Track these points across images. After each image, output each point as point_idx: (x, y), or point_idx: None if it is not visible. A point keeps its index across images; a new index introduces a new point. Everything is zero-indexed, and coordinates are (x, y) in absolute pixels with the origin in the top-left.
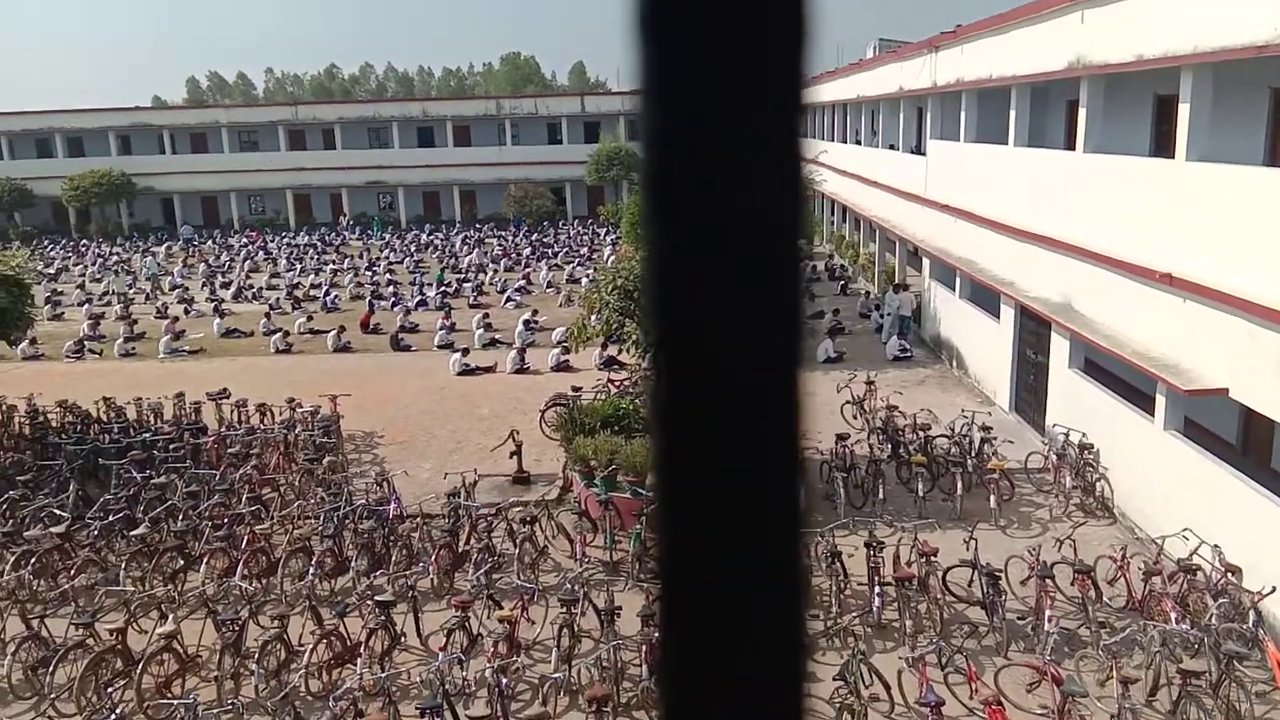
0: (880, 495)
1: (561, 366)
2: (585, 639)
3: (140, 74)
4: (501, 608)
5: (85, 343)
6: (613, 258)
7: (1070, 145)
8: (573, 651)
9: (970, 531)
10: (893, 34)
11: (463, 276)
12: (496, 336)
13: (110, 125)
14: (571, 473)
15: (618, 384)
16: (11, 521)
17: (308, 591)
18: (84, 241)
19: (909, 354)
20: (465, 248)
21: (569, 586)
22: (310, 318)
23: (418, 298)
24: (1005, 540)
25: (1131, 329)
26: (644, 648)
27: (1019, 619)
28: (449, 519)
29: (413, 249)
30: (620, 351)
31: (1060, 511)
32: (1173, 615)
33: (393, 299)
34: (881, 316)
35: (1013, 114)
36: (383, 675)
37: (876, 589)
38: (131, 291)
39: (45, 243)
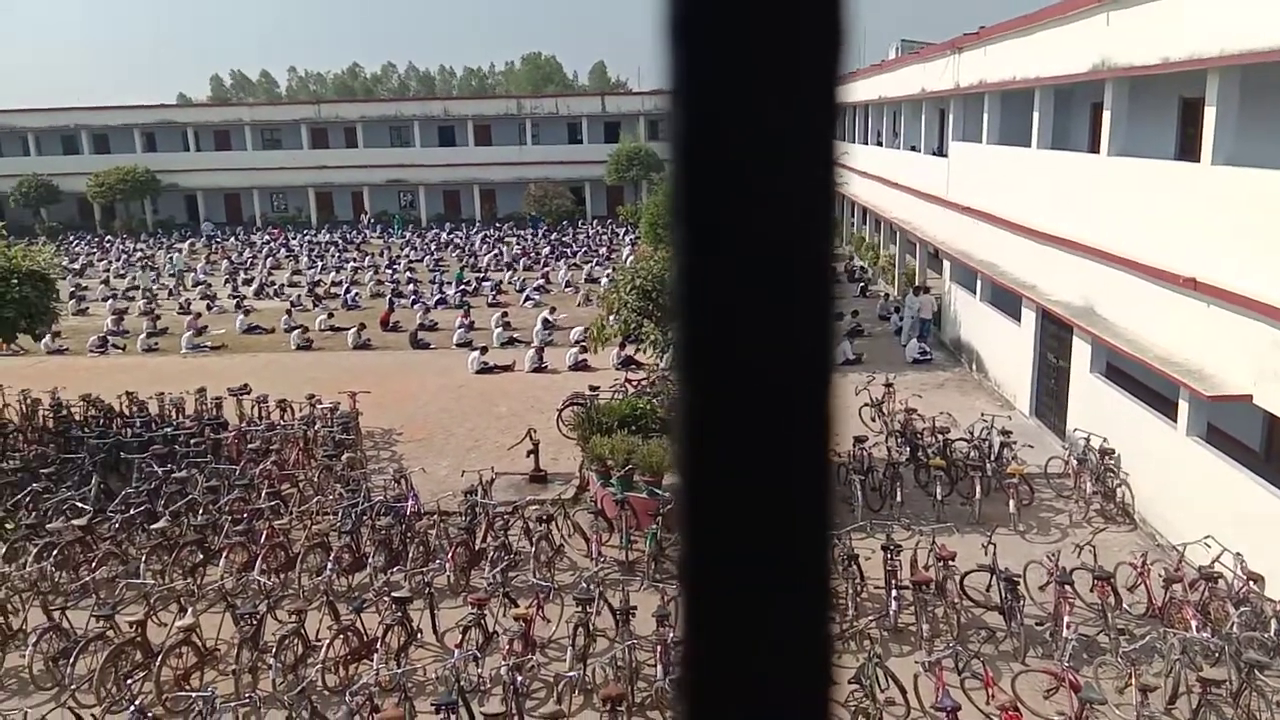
0: (898, 498)
1: (579, 366)
2: (600, 638)
3: (165, 72)
4: (517, 606)
5: (109, 337)
6: (631, 258)
7: (1094, 148)
8: (588, 650)
9: (989, 536)
10: (915, 35)
11: (482, 275)
12: (515, 335)
13: (135, 123)
14: (588, 472)
15: (635, 384)
16: (34, 514)
17: (325, 587)
18: (109, 238)
19: (929, 357)
20: (485, 247)
21: (584, 585)
22: (331, 315)
23: (437, 296)
24: (1024, 545)
25: (1155, 333)
26: (659, 648)
27: (1037, 625)
28: (466, 517)
29: (433, 247)
30: (638, 351)
31: (1080, 517)
32: (1193, 623)
33: (413, 297)
34: (901, 319)
35: (1036, 116)
36: (399, 671)
37: (893, 592)
38: (155, 287)
39: (71, 238)
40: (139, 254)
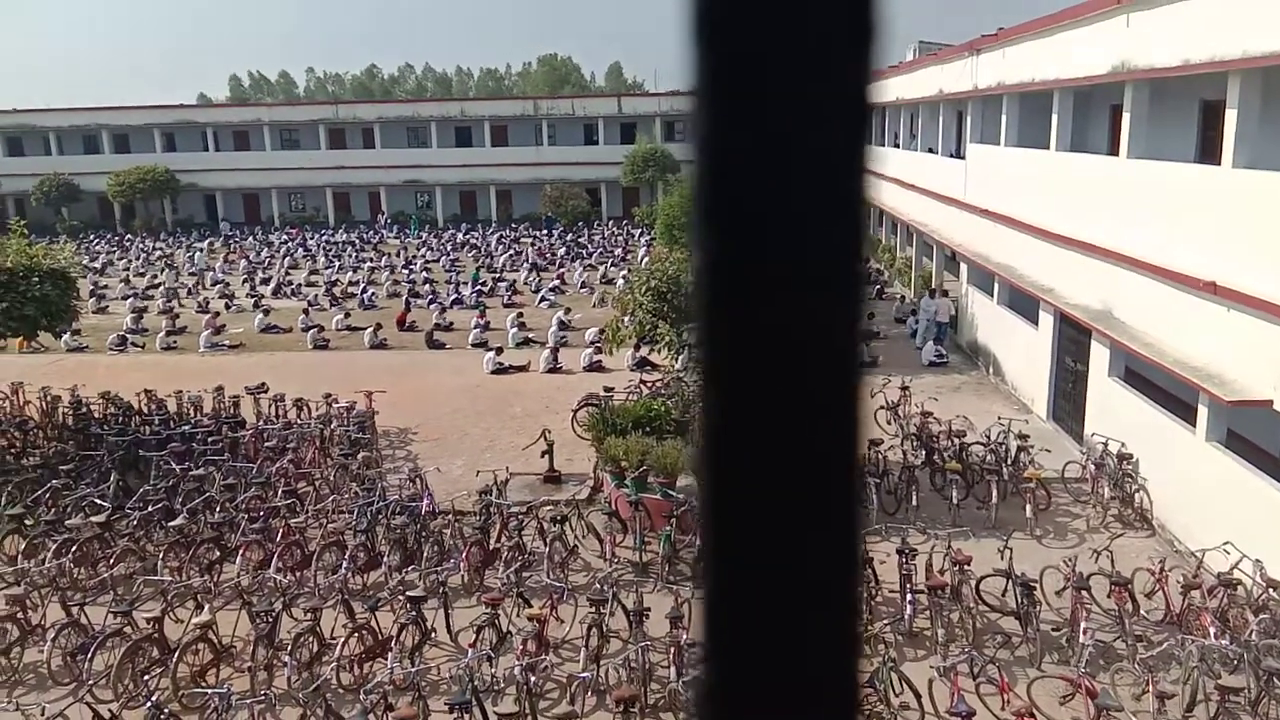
0: (914, 502)
1: (594, 367)
2: (614, 639)
3: (185, 73)
4: (531, 606)
5: (128, 336)
6: (647, 259)
7: (1113, 150)
8: (601, 651)
9: (1005, 541)
10: (932, 37)
11: (498, 275)
12: (530, 336)
13: (155, 122)
14: (602, 473)
15: (650, 385)
16: (54, 510)
17: (340, 585)
18: (128, 236)
19: (945, 360)
20: (501, 247)
21: (598, 586)
22: (348, 314)
23: (453, 296)
24: (1041, 550)
25: (1174, 338)
26: (672, 650)
27: (1054, 630)
28: (480, 516)
29: (449, 248)
30: (653, 353)
31: (1098, 522)
32: (1212, 630)
33: (429, 297)
34: (917, 322)
35: (1055, 118)
36: (413, 670)
37: (908, 596)
38: (175, 285)
39: (91, 237)
40: (158, 253)
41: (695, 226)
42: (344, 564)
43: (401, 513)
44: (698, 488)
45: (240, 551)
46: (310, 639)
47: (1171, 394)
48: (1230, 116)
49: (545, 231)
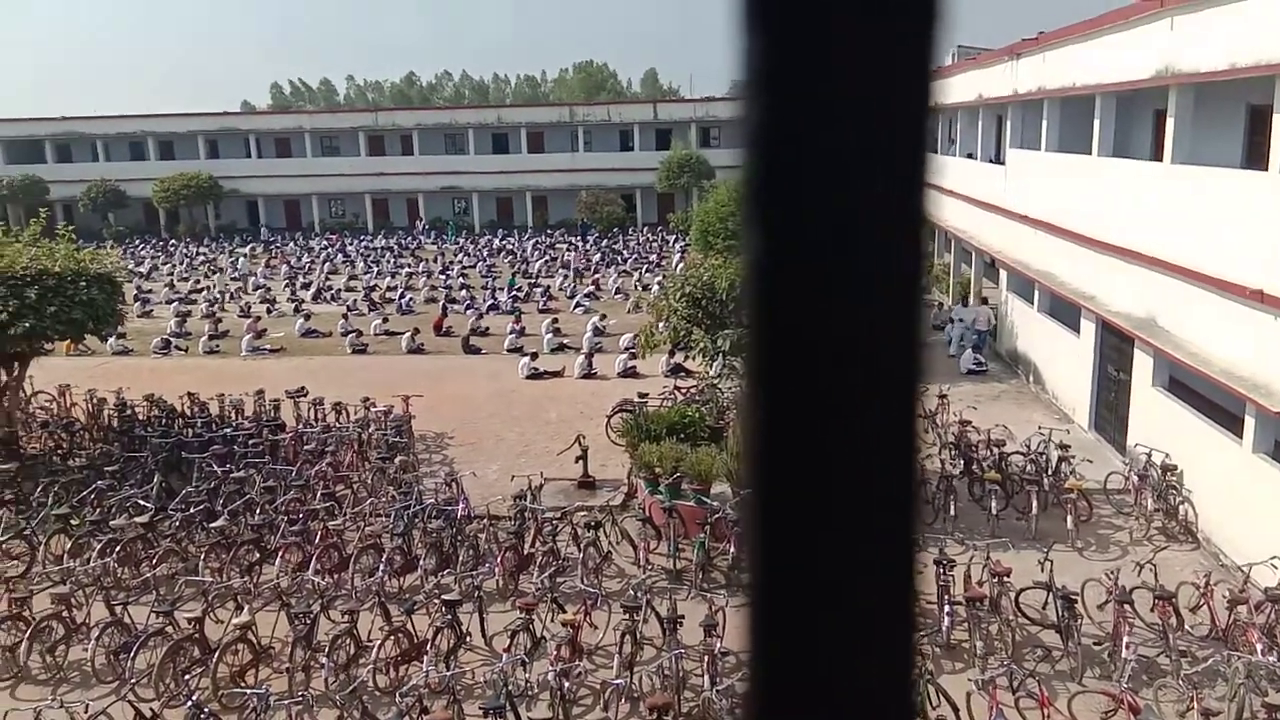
0: (951, 512)
1: (628, 372)
2: (647, 646)
3: (228, 78)
4: (565, 611)
5: (172, 339)
6: (681, 265)
7: (1157, 156)
8: (634, 658)
9: (1046, 552)
10: (970, 41)
11: (533, 281)
12: (565, 341)
13: (199, 130)
14: (636, 479)
15: (684, 391)
16: (99, 510)
17: (377, 588)
18: (172, 242)
19: (984, 368)
20: (536, 253)
21: (632, 593)
22: (386, 319)
23: (489, 302)
24: (1082, 562)
25: (1220, 346)
26: (706, 658)
27: (1095, 644)
28: (515, 521)
29: (485, 253)
30: (687, 359)
31: (1141, 534)
32: (1259, 646)
33: (465, 302)
34: (962, 326)
35: (1097, 123)
36: (448, 674)
37: (946, 608)
38: (225, 289)
39: (137, 242)
40: (201, 258)
41: (745, 229)
42: (381, 567)
43: (437, 517)
44: (744, 496)
45: (280, 553)
46: (347, 641)
47: (1217, 404)
48: (1278, 121)
49: (580, 237)
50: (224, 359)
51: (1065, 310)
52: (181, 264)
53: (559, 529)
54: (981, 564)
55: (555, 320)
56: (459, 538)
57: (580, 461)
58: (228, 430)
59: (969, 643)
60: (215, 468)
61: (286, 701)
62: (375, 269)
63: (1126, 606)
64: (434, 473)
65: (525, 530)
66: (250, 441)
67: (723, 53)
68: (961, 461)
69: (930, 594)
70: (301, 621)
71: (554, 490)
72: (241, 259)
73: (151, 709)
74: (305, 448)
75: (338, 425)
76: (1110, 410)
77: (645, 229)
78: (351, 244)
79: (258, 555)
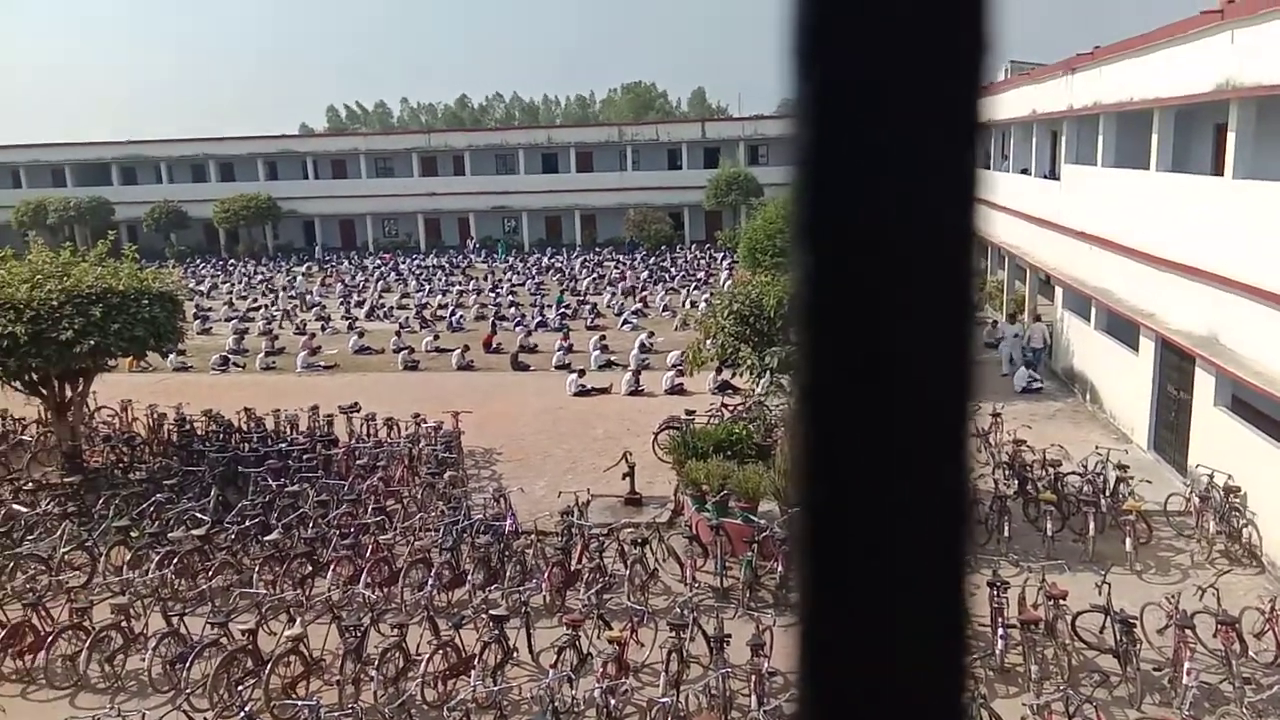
0: (1005, 533)
1: (676, 390)
2: (694, 665)
3: (283, 103)
4: (611, 628)
5: (230, 356)
6: (729, 283)
7: (1218, 170)
8: (681, 677)
9: (1103, 575)
10: (1024, 56)
11: (581, 299)
12: (612, 358)
13: (258, 152)
14: (683, 496)
15: (731, 409)
16: (158, 523)
17: (426, 602)
18: (231, 261)
19: (1039, 385)
20: (584, 271)
21: (679, 611)
22: (437, 336)
23: (538, 319)
24: (1141, 586)
25: None
26: (753, 678)
27: (1155, 670)
28: (562, 537)
29: (534, 271)
30: (735, 376)
31: (1202, 558)
32: None
33: (515, 320)
34: (1006, 346)
35: (1155, 138)
36: (495, 689)
37: (1000, 630)
38: (275, 309)
39: (197, 262)
40: (260, 277)
41: (794, 247)
42: (430, 581)
43: (486, 532)
44: (792, 515)
45: (331, 566)
46: (397, 654)
47: None
48: None
49: (628, 255)
50: (280, 375)
51: (1123, 328)
52: (240, 283)
53: (606, 545)
54: (1037, 586)
55: (603, 337)
56: (507, 553)
57: (627, 478)
58: (283, 445)
59: (1023, 666)
60: (270, 482)
61: (337, 713)
62: (427, 287)
63: (1187, 631)
64: (482, 488)
65: (572, 546)
66: (304, 456)
67: (771, 71)
68: (1016, 481)
69: (983, 616)
70: (352, 634)
71: (601, 507)
72: (299, 278)
73: (205, 718)
74: (357, 462)
75: (389, 441)
76: (1170, 430)
77: (693, 247)
78: (404, 263)
79: (310, 568)
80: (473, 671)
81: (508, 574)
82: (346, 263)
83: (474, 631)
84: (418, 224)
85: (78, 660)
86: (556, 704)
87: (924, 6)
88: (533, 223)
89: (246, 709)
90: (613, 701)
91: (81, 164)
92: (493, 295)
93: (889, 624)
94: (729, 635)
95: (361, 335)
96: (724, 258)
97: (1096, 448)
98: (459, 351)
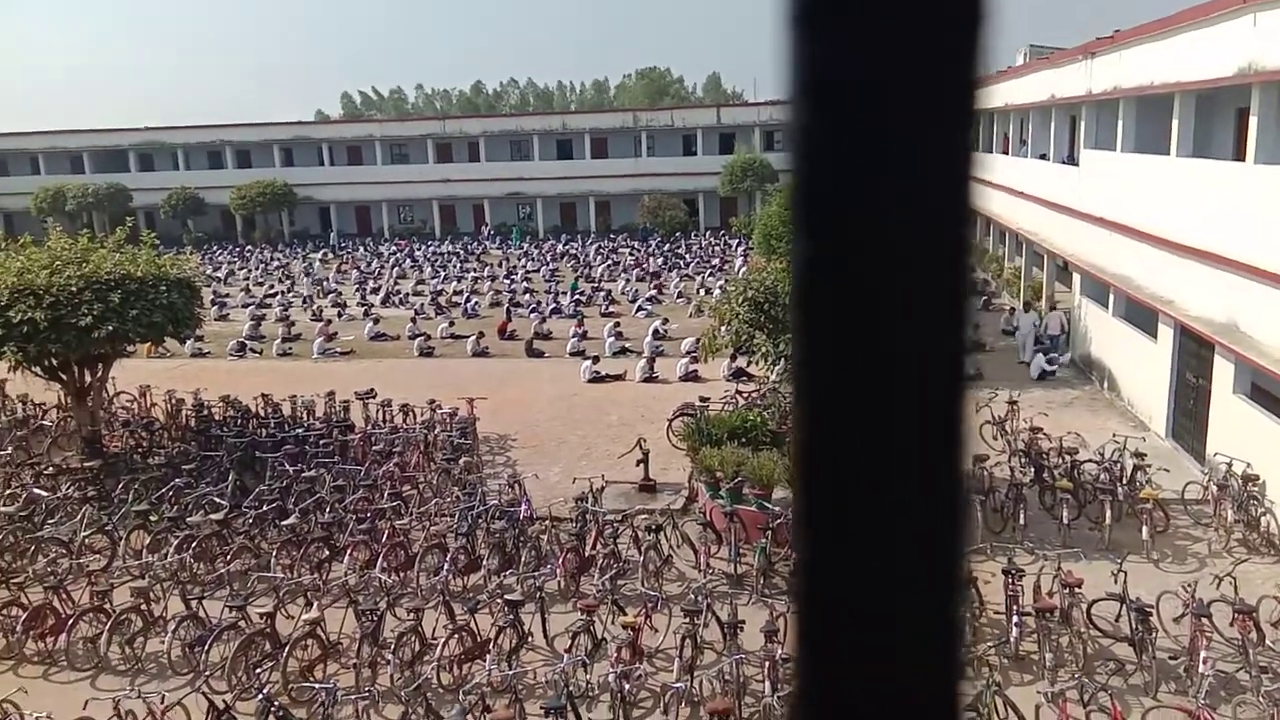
0: (1021, 521)
1: (690, 376)
2: (708, 651)
3: (299, 89)
4: (625, 614)
5: (247, 342)
6: (744, 269)
7: (1239, 156)
8: (695, 662)
9: (1119, 563)
10: (1042, 40)
11: (596, 285)
12: (627, 345)
13: (274, 139)
14: (697, 483)
15: (746, 395)
16: (176, 507)
17: (442, 587)
18: (248, 248)
19: (1053, 370)
20: (599, 257)
21: (692, 597)
22: (452, 323)
23: (552, 306)
24: (1158, 574)
25: None
26: (767, 664)
27: (1171, 659)
28: (576, 523)
29: (549, 258)
30: (749, 363)
31: (1220, 546)
32: None
33: (529, 306)
34: (1021, 335)
35: (1175, 123)
36: (510, 673)
37: (1015, 618)
38: (291, 295)
39: (214, 248)
40: (276, 263)
41: (794, 234)
42: (445, 566)
43: (501, 517)
44: (793, 500)
45: (348, 551)
46: (412, 638)
47: None
48: None
49: (642, 241)
50: (296, 361)
51: (1141, 314)
52: (257, 269)
53: (620, 532)
54: (1052, 574)
55: (617, 324)
56: (521, 539)
57: (641, 465)
58: (299, 430)
59: (1038, 654)
60: (287, 467)
61: (353, 696)
62: (442, 274)
63: (1204, 620)
64: (497, 474)
65: (587, 532)
66: (321, 442)
67: (777, 56)
68: (1032, 469)
69: (998, 604)
70: (369, 618)
71: (615, 493)
72: (316, 264)
73: (224, 701)
74: (374, 448)
75: (405, 426)
76: (1188, 418)
77: (707, 233)
78: (419, 249)
79: (327, 553)
80: (488, 656)
81: (523, 559)
82: (362, 249)
83: (489, 616)
84: (433, 210)
85: (98, 642)
86: (571, 688)
87: None
88: (547, 209)
89: (264, 691)
90: (627, 686)
91: (100, 151)
92: (507, 282)
93: (883, 609)
94: (743, 621)
95: (377, 322)
96: (739, 244)
97: (1114, 435)
98: (474, 338)
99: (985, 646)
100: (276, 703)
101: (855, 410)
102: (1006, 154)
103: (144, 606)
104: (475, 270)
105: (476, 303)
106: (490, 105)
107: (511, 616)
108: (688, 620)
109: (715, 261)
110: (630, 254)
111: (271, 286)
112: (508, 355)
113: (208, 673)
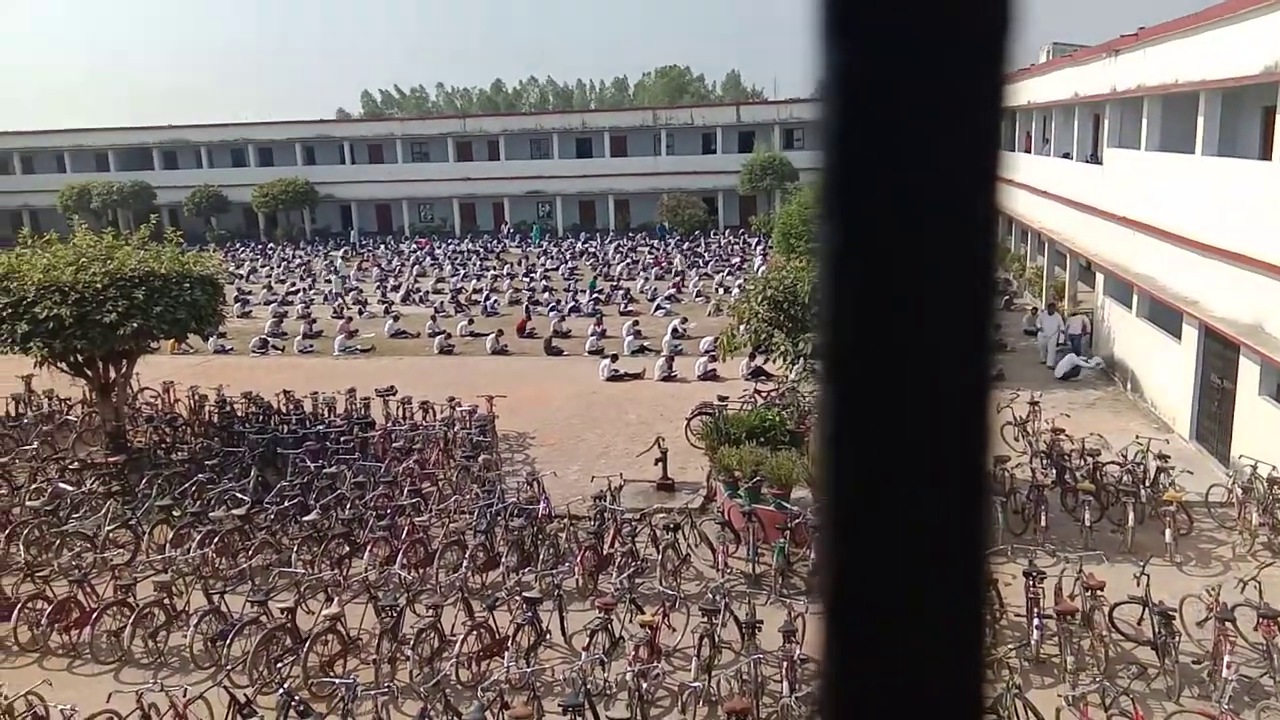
0: (1042, 522)
1: (708, 375)
2: (725, 650)
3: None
4: (643, 612)
5: (269, 339)
6: (763, 268)
7: (1266, 155)
8: (713, 662)
9: (1142, 566)
10: (1065, 38)
11: (615, 284)
12: (645, 344)
13: (296, 137)
14: (715, 482)
15: (764, 395)
16: (199, 502)
17: (461, 584)
18: (270, 245)
19: (1078, 373)
20: (618, 256)
21: (710, 596)
22: (471, 321)
23: (571, 304)
24: (1181, 578)
25: None
26: (785, 664)
27: (1194, 663)
28: (595, 521)
29: (568, 256)
30: (768, 362)
31: (1245, 550)
32: None
33: (548, 305)
34: (1045, 336)
35: (1201, 121)
36: (528, 670)
37: (1036, 621)
38: (344, 290)
39: (237, 245)
40: (298, 260)
41: (820, 231)
42: (464, 563)
43: (519, 515)
44: (816, 499)
45: (368, 547)
46: (432, 635)
47: None
48: None
49: (661, 240)
50: (318, 358)
51: (1165, 315)
52: (279, 266)
53: (638, 530)
54: (1074, 577)
55: (636, 323)
56: (540, 536)
57: (659, 464)
58: (320, 427)
59: (1059, 657)
60: (308, 463)
61: (373, 692)
62: (462, 272)
63: (1228, 624)
64: (516, 472)
65: (605, 531)
66: (342, 438)
67: (807, 54)
68: (1054, 471)
69: (1019, 606)
70: (388, 614)
71: (633, 492)
72: (339, 261)
73: (245, 695)
74: (394, 445)
75: (425, 424)
76: (1213, 420)
77: (726, 231)
78: (439, 247)
79: (347, 549)
80: (506, 653)
81: (541, 557)
82: (383, 247)
83: (508, 613)
84: (453, 209)
85: (122, 636)
86: (589, 686)
87: None
88: (566, 207)
89: (285, 685)
90: (644, 685)
91: (124, 149)
92: (526, 280)
93: (909, 609)
94: (761, 621)
95: (397, 319)
96: (758, 243)
97: (1137, 437)
98: (493, 336)
99: (1006, 649)
100: (297, 697)
101: (879, 408)
102: (1029, 152)
103: (167, 600)
104: (495, 268)
105: (496, 301)
106: (510, 104)
107: (530, 614)
108: (705, 620)
109: (734, 260)
110: (649, 252)
111: (293, 284)
112: (527, 353)
113: (229, 667)
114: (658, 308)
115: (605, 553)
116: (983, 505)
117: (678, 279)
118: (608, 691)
